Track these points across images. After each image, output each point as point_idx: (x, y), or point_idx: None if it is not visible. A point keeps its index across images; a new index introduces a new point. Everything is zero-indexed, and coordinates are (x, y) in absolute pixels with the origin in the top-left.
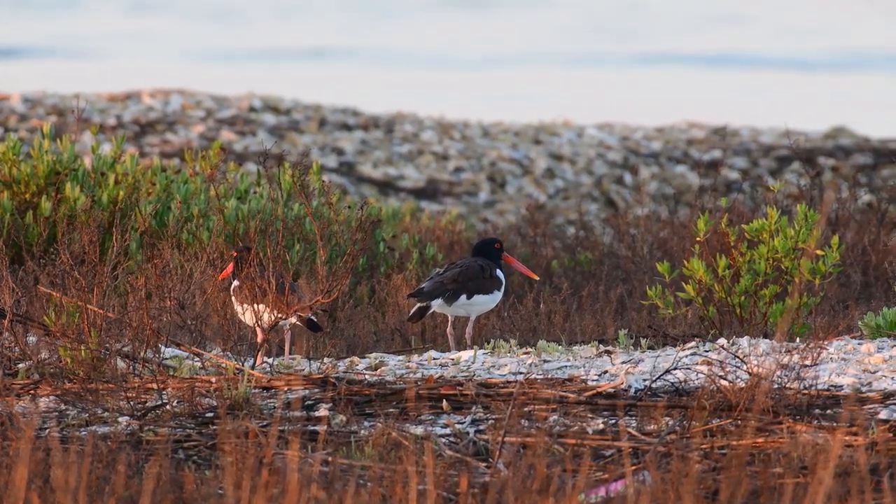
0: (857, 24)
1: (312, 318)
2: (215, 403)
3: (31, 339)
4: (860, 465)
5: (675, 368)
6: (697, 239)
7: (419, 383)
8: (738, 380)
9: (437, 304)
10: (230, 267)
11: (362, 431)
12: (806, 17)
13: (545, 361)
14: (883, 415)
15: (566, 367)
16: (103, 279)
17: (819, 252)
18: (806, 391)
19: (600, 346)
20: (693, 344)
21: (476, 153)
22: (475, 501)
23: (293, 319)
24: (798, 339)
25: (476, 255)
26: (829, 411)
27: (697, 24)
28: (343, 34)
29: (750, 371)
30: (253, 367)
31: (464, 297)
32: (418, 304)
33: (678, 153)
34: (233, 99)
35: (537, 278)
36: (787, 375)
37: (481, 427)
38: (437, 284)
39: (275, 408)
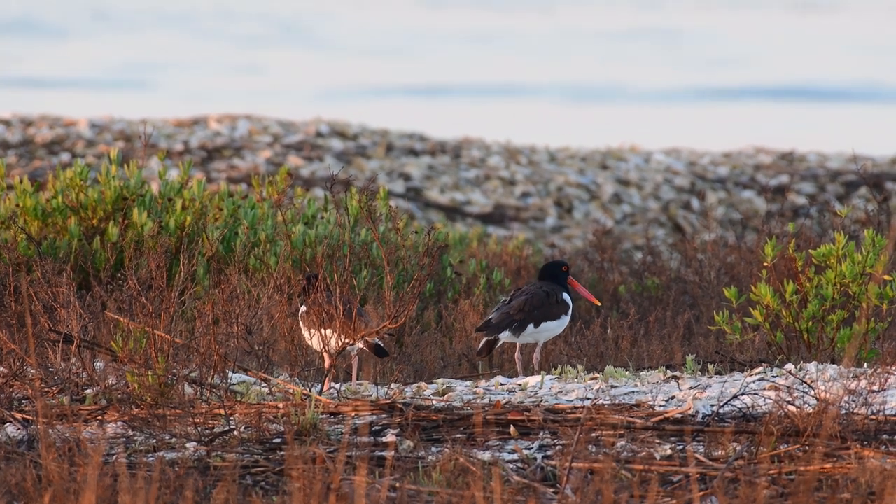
0: None
1: (379, 343)
2: (283, 429)
3: (99, 364)
4: None
5: (742, 394)
6: (765, 264)
7: (486, 409)
8: (806, 405)
9: (505, 336)
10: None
11: (430, 457)
12: (876, 43)
13: (612, 387)
14: None
15: (633, 392)
16: (170, 305)
17: (887, 277)
18: (874, 416)
19: (667, 371)
20: (760, 369)
21: (543, 178)
22: None
23: (360, 344)
24: (866, 365)
25: (542, 278)
26: None
27: (762, 57)
28: (409, 63)
29: (817, 396)
30: (320, 393)
31: (531, 326)
32: (486, 338)
33: (745, 178)
34: (300, 124)
35: (599, 304)
36: (854, 401)
37: (549, 452)
38: (503, 316)
39: (342, 433)
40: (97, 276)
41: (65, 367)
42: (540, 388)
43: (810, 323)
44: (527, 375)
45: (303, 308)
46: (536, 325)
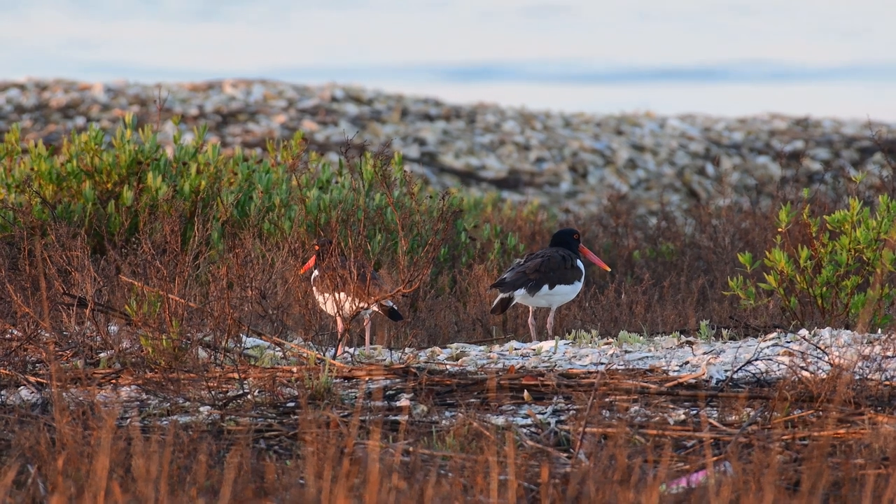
0: None
1: (394, 306)
2: (296, 393)
3: (113, 328)
4: None
5: (756, 359)
6: (779, 230)
7: (500, 373)
8: (820, 371)
9: (519, 295)
10: (312, 260)
11: (443, 421)
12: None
13: (626, 352)
14: None
15: (647, 357)
16: (185, 269)
17: None
18: (887, 382)
19: (682, 336)
20: (774, 335)
21: (558, 143)
22: (556, 492)
23: (374, 308)
24: (879, 330)
25: (555, 246)
26: None
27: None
28: (425, 36)
29: (831, 362)
30: (334, 357)
31: (546, 287)
32: (500, 296)
33: (760, 144)
34: (314, 89)
35: (609, 270)
36: (868, 366)
37: (562, 417)
38: (519, 275)
39: (356, 397)
40: (111, 239)
41: (79, 330)
42: (554, 353)
43: (824, 288)
44: (541, 340)
45: (316, 272)
46: (551, 287)
